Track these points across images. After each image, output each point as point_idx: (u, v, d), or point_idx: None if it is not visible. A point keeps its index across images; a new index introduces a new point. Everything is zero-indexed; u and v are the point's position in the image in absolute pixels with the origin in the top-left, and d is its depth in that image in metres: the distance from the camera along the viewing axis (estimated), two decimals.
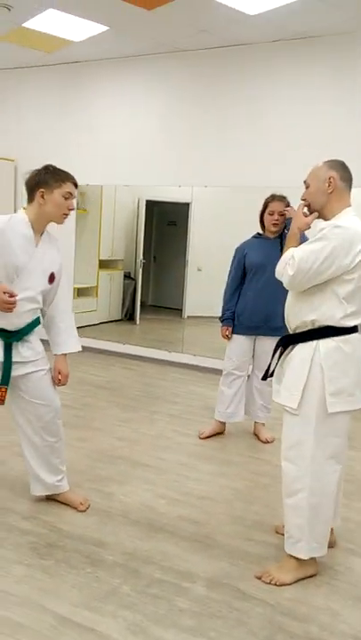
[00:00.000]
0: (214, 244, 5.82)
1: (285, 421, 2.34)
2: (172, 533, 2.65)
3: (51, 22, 5.06)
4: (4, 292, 2.36)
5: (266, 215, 3.68)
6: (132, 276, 7.87)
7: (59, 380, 2.73)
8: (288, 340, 2.37)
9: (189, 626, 2.04)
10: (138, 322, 7.67)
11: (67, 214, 2.53)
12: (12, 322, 2.53)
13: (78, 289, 6.98)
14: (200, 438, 3.91)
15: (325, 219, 2.31)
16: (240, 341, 3.82)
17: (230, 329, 3.83)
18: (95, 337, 6.68)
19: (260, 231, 3.78)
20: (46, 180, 2.47)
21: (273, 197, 3.65)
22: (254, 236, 3.81)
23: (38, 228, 2.53)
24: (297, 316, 2.31)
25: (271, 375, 2.44)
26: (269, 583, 2.30)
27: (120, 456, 3.51)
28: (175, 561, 2.43)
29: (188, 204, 6.39)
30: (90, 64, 6.29)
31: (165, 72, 5.90)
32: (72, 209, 2.54)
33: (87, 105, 6.41)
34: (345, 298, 2.19)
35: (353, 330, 2.26)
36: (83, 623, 2.02)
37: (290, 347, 2.36)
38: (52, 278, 2.60)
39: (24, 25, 5.12)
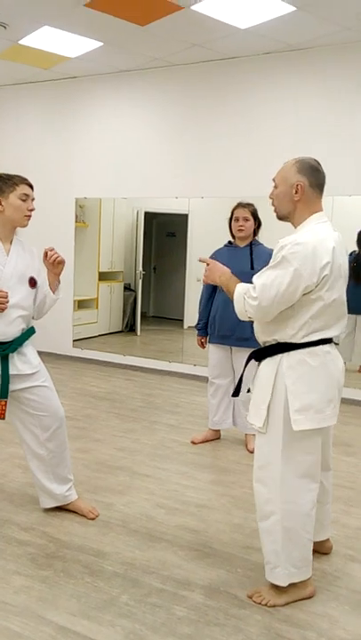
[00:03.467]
0: None
1: (256, 440, 2.25)
2: (170, 542, 2.66)
3: (46, 39, 5.14)
4: None
5: (233, 222, 3.73)
6: (132, 287, 7.91)
7: (53, 255, 2.64)
8: (258, 355, 2.26)
9: (187, 634, 2.05)
10: (139, 333, 7.70)
11: (28, 216, 2.59)
12: (3, 331, 2.57)
13: (79, 301, 7.02)
14: (193, 443, 3.97)
15: (293, 225, 2.19)
16: (215, 350, 3.87)
17: (204, 338, 3.91)
18: (96, 349, 6.71)
19: (231, 239, 3.82)
20: (0, 187, 2.53)
21: (238, 204, 3.73)
22: (226, 245, 3.84)
23: (5, 237, 2.60)
24: (263, 333, 2.21)
25: (238, 393, 2.40)
26: (260, 604, 2.22)
27: (120, 466, 3.52)
28: (174, 570, 2.44)
29: (186, 215, 6.44)
30: (86, 79, 6.39)
31: (160, 86, 5.98)
32: (32, 209, 2.59)
33: (84, 119, 6.50)
34: (314, 317, 2.08)
35: (320, 342, 2.12)
36: (81, 632, 2.04)
37: (260, 361, 2.25)
38: (32, 282, 2.65)
39: (20, 42, 5.21)
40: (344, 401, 5.36)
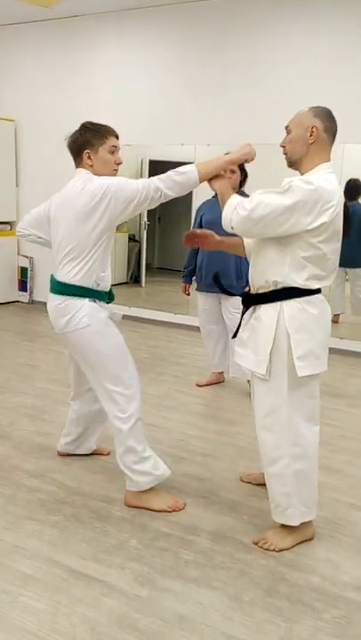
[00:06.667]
0: None
1: (257, 389, 2.27)
2: (177, 490, 2.71)
3: None
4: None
5: None
6: (137, 238, 7.81)
7: None
8: (252, 301, 2.28)
9: (194, 577, 2.11)
10: (143, 284, 7.65)
11: (116, 170, 2.47)
12: (108, 283, 2.63)
13: None
14: (198, 386, 4.16)
15: (301, 172, 2.18)
16: (203, 298, 4.06)
17: (187, 286, 4.14)
18: None
19: None
20: (89, 139, 2.41)
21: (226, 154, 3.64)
22: (213, 196, 3.77)
23: None
24: (260, 275, 2.21)
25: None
26: (267, 550, 2.28)
27: None
28: (181, 516, 2.50)
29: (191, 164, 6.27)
30: (89, 18, 6.11)
31: (166, 26, 5.73)
32: (119, 163, 2.47)
33: (87, 61, 6.25)
34: (309, 260, 2.10)
35: (317, 291, 2.18)
36: (92, 574, 2.09)
37: (254, 307, 2.27)
38: None
39: None
40: (350, 354, 5.34)
